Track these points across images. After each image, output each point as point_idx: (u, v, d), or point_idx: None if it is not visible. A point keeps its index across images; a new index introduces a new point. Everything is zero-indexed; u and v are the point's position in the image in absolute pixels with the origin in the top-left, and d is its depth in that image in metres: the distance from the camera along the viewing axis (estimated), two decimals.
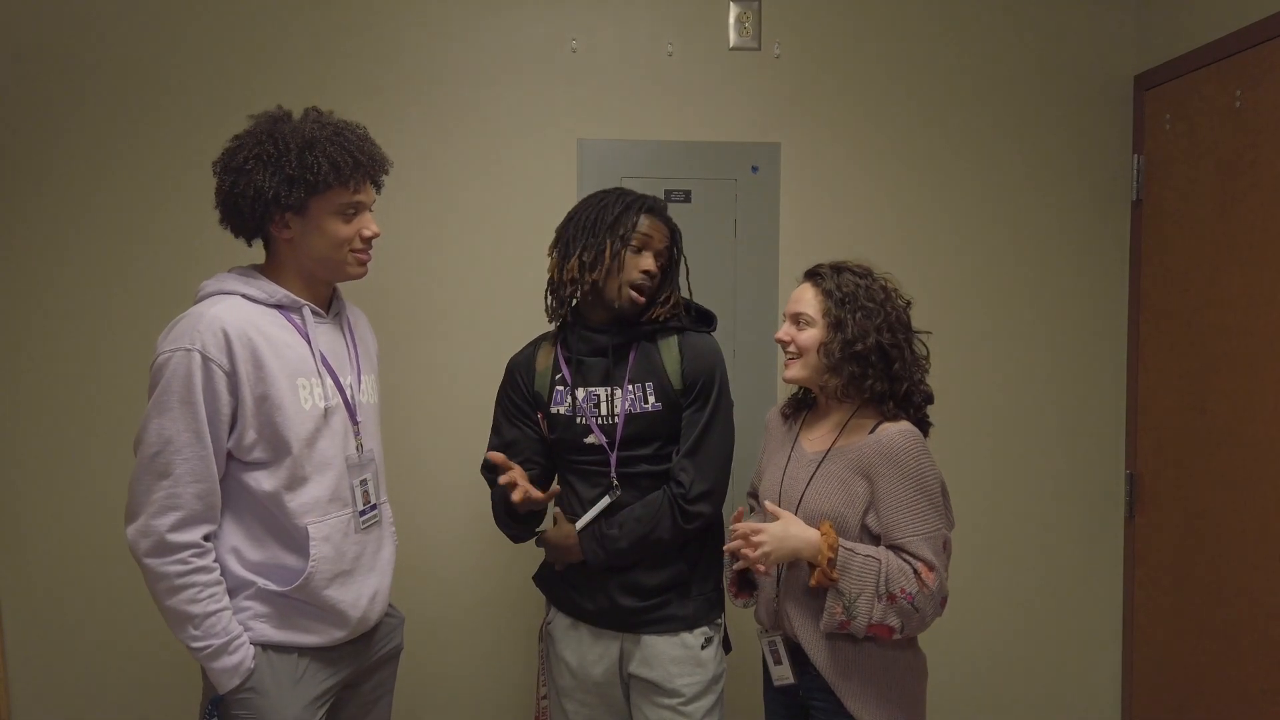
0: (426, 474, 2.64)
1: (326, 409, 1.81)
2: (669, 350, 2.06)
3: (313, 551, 1.75)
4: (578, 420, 2.04)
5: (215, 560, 1.72)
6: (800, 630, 1.88)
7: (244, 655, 1.71)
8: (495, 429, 2.14)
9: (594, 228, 2.02)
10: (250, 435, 1.71)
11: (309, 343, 1.81)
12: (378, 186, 1.90)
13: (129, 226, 2.60)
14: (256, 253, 1.89)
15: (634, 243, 2.01)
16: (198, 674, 1.80)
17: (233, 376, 1.69)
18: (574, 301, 2.06)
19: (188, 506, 1.67)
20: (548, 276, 2.09)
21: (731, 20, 2.70)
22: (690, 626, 2.03)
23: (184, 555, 1.67)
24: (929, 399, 1.93)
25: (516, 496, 1.90)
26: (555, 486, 2.13)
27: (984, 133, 2.75)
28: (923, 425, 1.92)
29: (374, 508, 1.90)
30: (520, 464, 2.08)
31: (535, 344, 2.17)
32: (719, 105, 2.70)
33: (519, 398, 2.11)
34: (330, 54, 2.62)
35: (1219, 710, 2.40)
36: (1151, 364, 2.70)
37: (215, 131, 1.90)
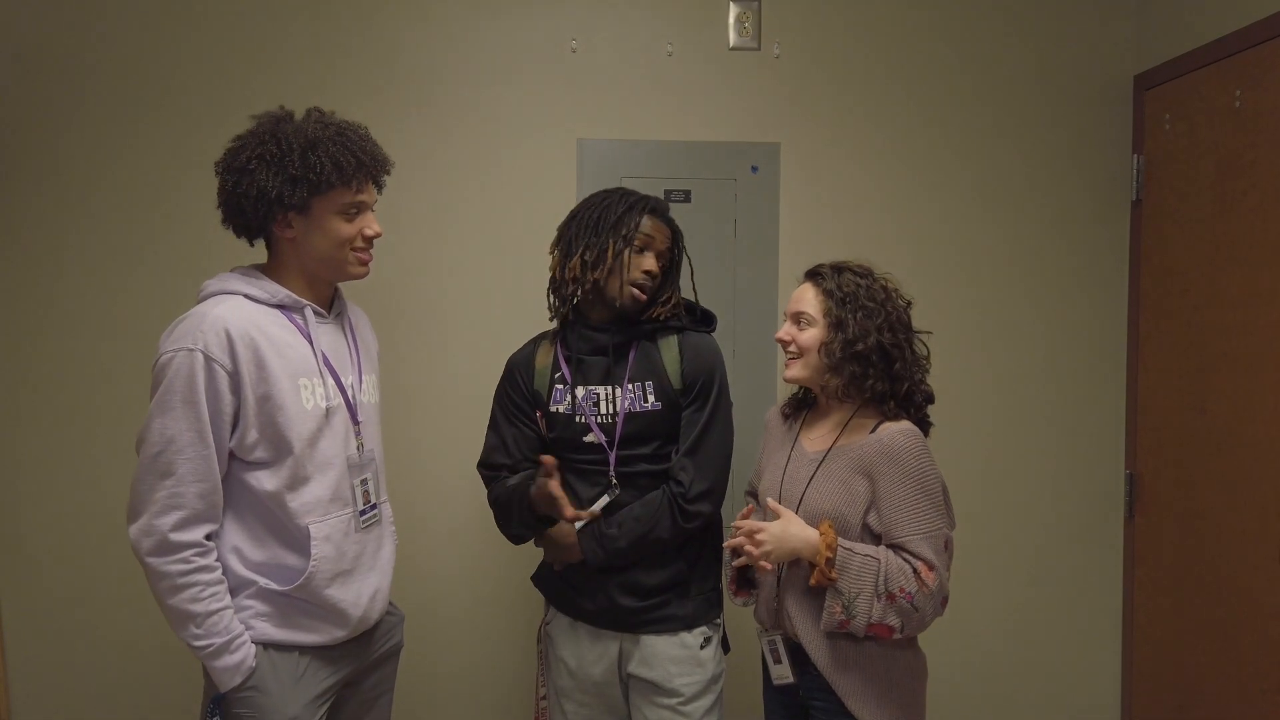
0: (426, 473, 2.64)
1: (328, 409, 1.81)
2: (669, 350, 2.06)
3: (314, 551, 1.76)
4: (577, 419, 2.04)
5: (217, 559, 1.72)
6: (800, 629, 1.88)
7: (245, 654, 1.71)
8: (494, 427, 2.14)
9: (597, 227, 2.03)
10: (252, 435, 1.72)
11: (311, 343, 1.81)
12: (379, 186, 1.91)
13: (131, 226, 2.60)
14: (259, 253, 1.89)
15: (636, 243, 2.02)
16: (198, 673, 1.80)
17: (235, 376, 1.69)
18: (575, 300, 2.06)
19: (190, 506, 1.68)
20: (549, 275, 2.09)
21: (731, 20, 2.70)
22: (689, 626, 2.03)
23: (186, 554, 1.67)
24: (930, 399, 1.94)
25: (554, 489, 1.92)
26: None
27: (984, 132, 2.75)
28: (923, 425, 1.92)
29: (374, 507, 1.91)
30: (518, 463, 2.09)
31: (535, 342, 2.18)
32: (719, 105, 2.70)
33: (518, 396, 2.11)
34: (331, 54, 2.62)
35: (1219, 710, 2.40)
36: (1151, 364, 2.70)
37: (217, 132, 1.90)
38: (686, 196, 2.67)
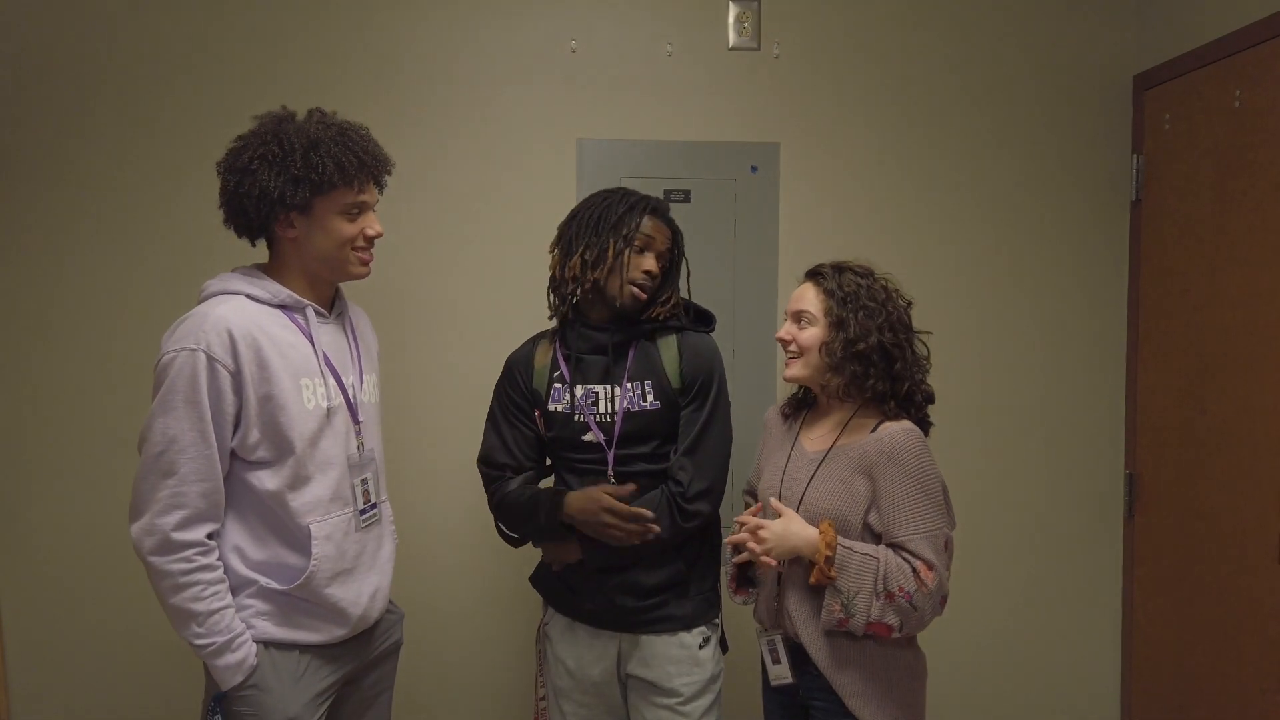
0: (426, 472, 2.64)
1: (329, 409, 1.82)
2: (668, 349, 2.06)
3: (314, 550, 1.76)
4: (575, 418, 2.04)
5: (218, 559, 1.72)
6: (800, 628, 1.88)
7: (247, 652, 1.72)
8: (493, 425, 2.14)
9: (597, 227, 2.03)
10: (254, 435, 1.72)
11: (312, 343, 1.82)
12: (380, 186, 1.91)
13: (132, 226, 2.60)
14: (259, 253, 1.89)
15: (636, 243, 2.02)
16: (198, 673, 1.80)
17: (237, 376, 1.70)
18: (575, 299, 2.07)
19: (192, 505, 1.68)
20: (549, 274, 2.09)
21: (731, 20, 2.70)
22: (688, 626, 2.03)
23: (188, 554, 1.68)
24: (930, 399, 1.94)
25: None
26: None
27: (983, 132, 2.75)
28: (923, 425, 1.93)
29: (374, 506, 1.91)
30: (520, 463, 2.09)
31: (533, 341, 2.18)
32: (718, 105, 2.70)
33: (517, 395, 2.11)
34: (332, 56, 2.62)
35: (1219, 710, 2.40)
36: (1151, 363, 2.70)
37: (218, 133, 1.91)
38: (686, 196, 2.67)
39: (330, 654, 1.83)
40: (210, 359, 1.67)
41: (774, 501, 1.90)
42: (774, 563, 1.86)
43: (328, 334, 1.88)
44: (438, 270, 2.66)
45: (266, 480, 1.74)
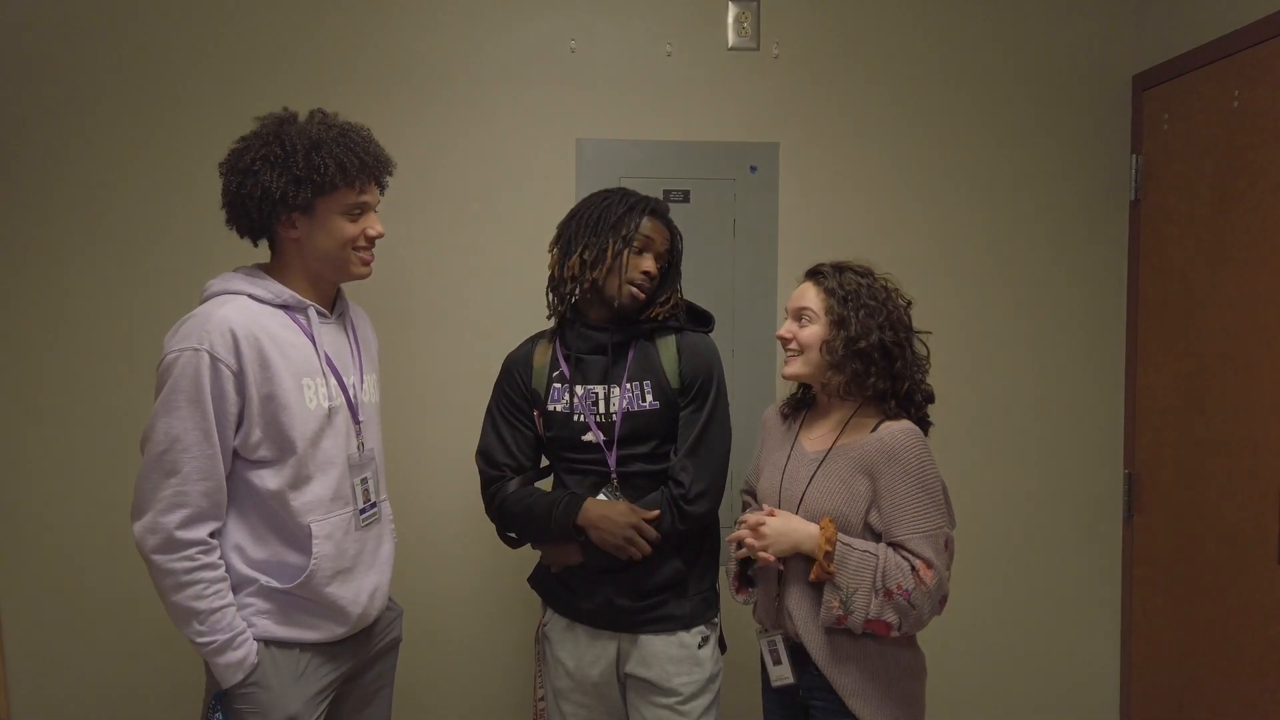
0: (425, 472, 2.64)
1: (330, 409, 1.82)
2: (667, 349, 2.06)
3: (315, 549, 1.77)
4: (575, 418, 2.04)
5: (220, 557, 1.73)
6: (801, 626, 1.88)
7: (248, 651, 1.73)
8: (492, 425, 2.13)
9: (596, 227, 2.03)
10: (256, 434, 1.73)
11: (314, 343, 1.82)
12: (382, 187, 1.92)
13: (134, 226, 2.60)
14: (263, 253, 1.90)
15: (635, 244, 2.02)
16: (198, 673, 1.81)
17: (240, 376, 1.70)
18: (573, 299, 2.07)
19: (195, 504, 1.69)
20: (548, 273, 2.09)
21: (730, 20, 2.70)
22: (687, 626, 2.04)
23: (191, 552, 1.68)
24: (930, 398, 1.94)
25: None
26: None
27: (982, 132, 2.76)
28: (923, 424, 1.93)
29: (374, 506, 1.92)
30: (520, 464, 2.09)
31: (532, 341, 2.18)
32: (717, 105, 2.70)
33: (516, 394, 2.11)
34: (333, 57, 2.63)
35: (1218, 710, 2.40)
36: (1150, 363, 2.70)
37: (220, 134, 1.91)
38: (685, 196, 2.67)
39: (330, 652, 1.84)
40: (213, 359, 1.68)
41: (768, 509, 1.92)
42: (774, 559, 1.86)
43: (329, 334, 1.88)
44: (437, 269, 2.66)
45: (268, 479, 1.75)
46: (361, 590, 1.86)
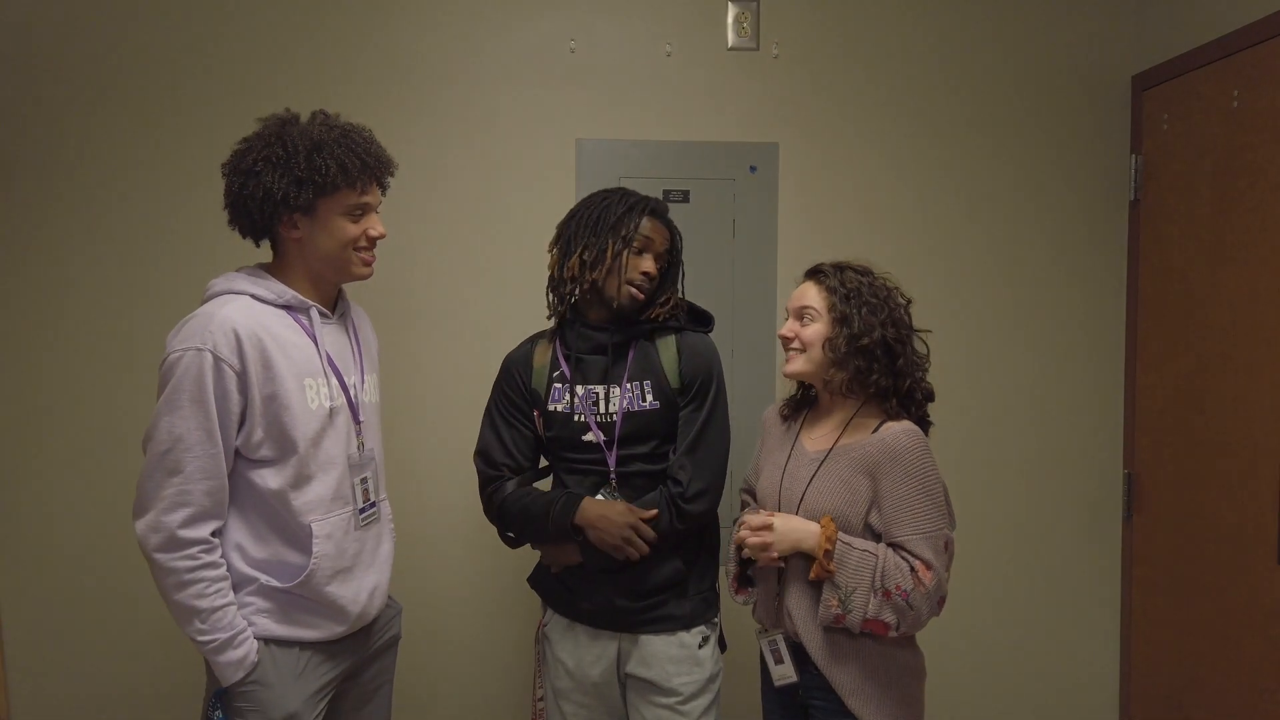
0: (425, 472, 2.65)
1: (331, 409, 1.83)
2: (667, 349, 2.06)
3: (315, 549, 1.77)
4: (575, 418, 2.05)
5: (222, 556, 1.73)
6: (800, 625, 1.88)
7: (248, 649, 1.73)
8: (491, 425, 2.13)
9: (596, 227, 2.03)
10: (258, 434, 1.74)
11: (316, 343, 1.83)
12: (383, 188, 1.93)
13: (135, 226, 2.60)
14: (265, 253, 1.90)
15: (635, 244, 2.02)
16: (197, 673, 1.81)
17: (243, 376, 1.71)
18: (573, 299, 2.07)
19: (197, 503, 1.69)
20: (548, 273, 2.09)
21: (730, 20, 2.70)
22: (687, 626, 2.04)
23: (193, 551, 1.69)
24: (930, 396, 1.94)
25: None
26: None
27: (982, 132, 2.76)
28: (923, 423, 1.93)
29: (373, 505, 1.92)
30: (515, 463, 2.09)
31: (532, 341, 2.17)
32: (717, 105, 2.70)
33: (516, 395, 2.11)
34: (334, 58, 2.63)
35: (1217, 710, 2.40)
36: (1149, 363, 2.70)
37: (223, 136, 1.91)
38: (685, 196, 2.67)
39: (330, 650, 1.84)
40: (216, 358, 1.68)
41: (765, 512, 1.91)
42: (775, 556, 1.86)
43: (330, 334, 1.89)
44: (437, 269, 2.66)
45: (269, 479, 1.75)
46: (361, 589, 1.86)
